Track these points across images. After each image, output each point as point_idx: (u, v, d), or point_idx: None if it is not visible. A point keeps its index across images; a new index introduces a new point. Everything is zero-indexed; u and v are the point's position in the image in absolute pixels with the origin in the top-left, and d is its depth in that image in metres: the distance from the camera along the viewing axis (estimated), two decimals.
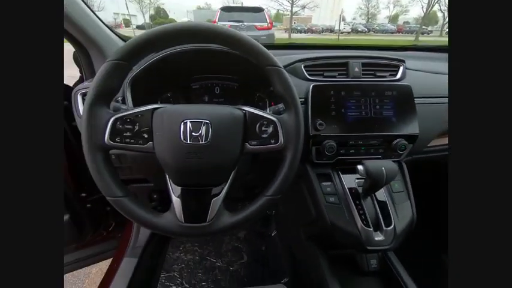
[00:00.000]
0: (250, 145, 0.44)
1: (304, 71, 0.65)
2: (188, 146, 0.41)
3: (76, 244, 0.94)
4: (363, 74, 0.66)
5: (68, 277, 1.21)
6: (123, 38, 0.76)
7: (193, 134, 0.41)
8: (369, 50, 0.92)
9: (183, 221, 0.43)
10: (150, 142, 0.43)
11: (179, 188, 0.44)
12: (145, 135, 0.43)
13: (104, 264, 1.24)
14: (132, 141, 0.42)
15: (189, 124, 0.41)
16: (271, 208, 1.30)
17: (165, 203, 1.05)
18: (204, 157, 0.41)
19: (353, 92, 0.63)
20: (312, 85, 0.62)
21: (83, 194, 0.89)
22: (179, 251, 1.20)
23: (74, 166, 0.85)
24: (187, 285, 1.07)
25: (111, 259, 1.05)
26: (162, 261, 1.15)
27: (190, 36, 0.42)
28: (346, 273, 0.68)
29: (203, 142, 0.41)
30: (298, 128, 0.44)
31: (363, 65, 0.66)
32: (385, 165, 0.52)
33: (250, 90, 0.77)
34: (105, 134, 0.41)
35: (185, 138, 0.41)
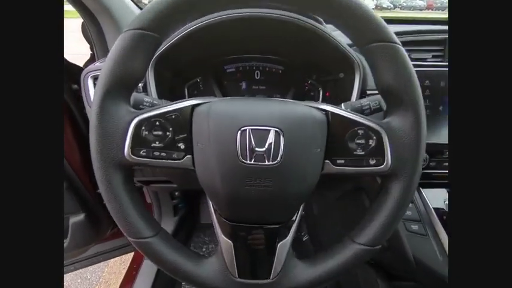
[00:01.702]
0: (335, 164, 0.30)
1: None
2: (249, 167, 0.27)
3: (94, 242, 0.88)
4: None
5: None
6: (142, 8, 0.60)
7: (256, 149, 0.27)
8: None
9: (236, 276, 0.30)
10: (189, 156, 0.29)
11: (229, 223, 0.31)
12: (182, 146, 0.29)
13: (124, 255, 1.21)
14: (162, 154, 0.29)
15: (249, 133, 0.27)
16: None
17: (187, 200, 0.96)
18: (273, 184, 0.27)
19: None
20: None
21: (98, 191, 0.81)
22: (202, 252, 1.12)
23: (88, 160, 0.75)
24: None
25: (131, 253, 1.00)
26: None
27: None
28: None
29: (272, 163, 0.27)
30: (417, 144, 0.28)
31: None
32: None
33: (299, 76, 0.61)
34: (124, 144, 0.28)
35: (244, 155, 0.27)
